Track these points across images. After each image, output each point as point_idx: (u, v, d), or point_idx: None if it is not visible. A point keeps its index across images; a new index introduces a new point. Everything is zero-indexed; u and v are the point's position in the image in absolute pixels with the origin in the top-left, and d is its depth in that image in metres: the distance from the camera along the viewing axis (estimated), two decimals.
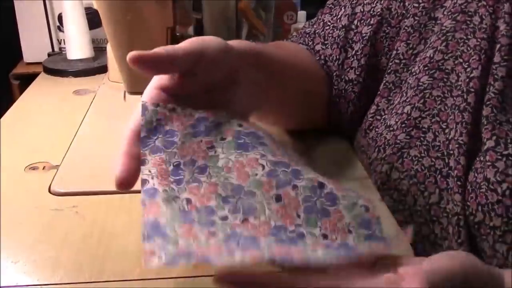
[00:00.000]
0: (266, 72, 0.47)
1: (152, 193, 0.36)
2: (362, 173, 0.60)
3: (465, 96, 0.50)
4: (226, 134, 0.39)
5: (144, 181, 0.37)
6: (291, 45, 0.69)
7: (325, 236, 0.34)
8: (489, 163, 0.46)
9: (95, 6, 0.57)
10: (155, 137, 0.38)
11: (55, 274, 0.45)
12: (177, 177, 0.37)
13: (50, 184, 0.59)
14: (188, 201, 0.35)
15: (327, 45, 0.65)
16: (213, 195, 0.36)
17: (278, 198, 0.35)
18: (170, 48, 0.38)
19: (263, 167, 0.37)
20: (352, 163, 0.63)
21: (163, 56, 0.38)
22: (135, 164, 0.39)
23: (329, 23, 0.67)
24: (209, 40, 0.41)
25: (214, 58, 0.41)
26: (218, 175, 0.37)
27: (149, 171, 0.37)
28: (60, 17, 1.15)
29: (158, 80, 0.41)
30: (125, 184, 0.39)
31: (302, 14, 1.21)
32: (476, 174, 0.47)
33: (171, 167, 0.37)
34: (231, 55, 0.42)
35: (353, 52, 0.63)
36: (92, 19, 1.05)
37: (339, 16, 0.66)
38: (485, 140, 0.48)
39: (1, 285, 0.44)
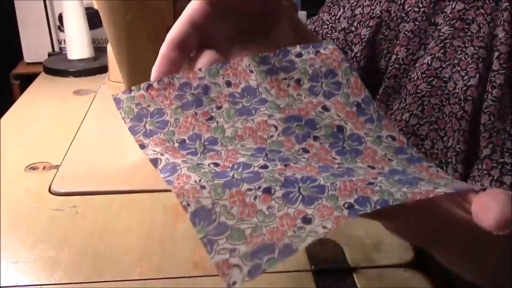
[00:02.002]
0: (294, 28, 0.47)
1: (172, 168, 0.30)
2: None
3: (462, 104, 0.51)
4: (219, 101, 0.36)
5: (155, 161, 0.31)
6: None
7: (372, 168, 0.32)
8: (485, 172, 0.47)
9: (95, 6, 0.57)
10: (143, 123, 0.34)
11: (55, 274, 0.45)
12: (189, 150, 0.32)
13: (50, 184, 0.59)
14: (216, 164, 0.30)
15: None
16: (238, 155, 0.31)
17: (305, 150, 0.33)
18: None
19: (276, 127, 0.34)
20: None
21: None
22: (173, 67, 0.37)
23: (327, 23, 0.67)
24: None
25: None
26: (233, 144, 0.33)
27: (154, 151, 0.32)
28: (60, 17, 1.15)
29: None
30: None
31: (302, 14, 1.21)
32: (473, 182, 0.48)
33: (176, 144, 0.33)
34: None
35: (353, 54, 0.63)
36: (92, 19, 1.05)
37: (337, 17, 0.66)
38: (482, 148, 0.48)
39: (1, 285, 0.44)
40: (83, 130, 0.74)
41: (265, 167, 0.30)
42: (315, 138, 0.34)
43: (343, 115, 0.36)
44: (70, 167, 0.63)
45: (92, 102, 0.85)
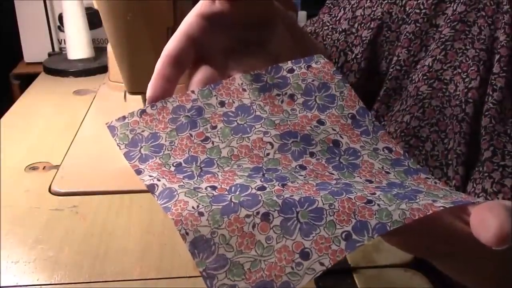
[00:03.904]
0: (291, 31, 0.47)
1: (169, 194, 0.29)
2: None
3: (463, 106, 0.51)
4: (214, 121, 0.36)
5: (152, 187, 0.31)
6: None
7: (370, 182, 0.32)
8: (486, 174, 0.47)
9: (95, 6, 0.57)
10: (138, 148, 0.34)
11: (55, 274, 0.45)
12: (185, 174, 0.32)
13: (50, 184, 0.59)
14: (213, 188, 0.30)
15: (326, 45, 0.65)
16: (235, 177, 0.31)
17: (302, 167, 0.33)
18: None
19: (272, 145, 0.34)
20: None
21: None
22: (168, 85, 0.37)
23: (328, 24, 0.67)
24: None
25: None
26: (229, 164, 0.33)
27: (150, 176, 0.32)
28: (60, 17, 1.15)
29: (199, 7, 0.39)
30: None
31: (302, 14, 1.21)
32: (474, 185, 0.48)
33: (172, 167, 0.33)
34: None
35: (353, 55, 0.63)
36: (92, 19, 1.05)
37: (338, 18, 0.66)
38: (483, 150, 0.48)
39: (1, 285, 0.44)
40: (83, 130, 0.73)
41: (262, 188, 0.30)
42: (312, 154, 0.34)
43: (338, 129, 0.36)
44: (70, 167, 0.63)
45: (92, 102, 0.85)
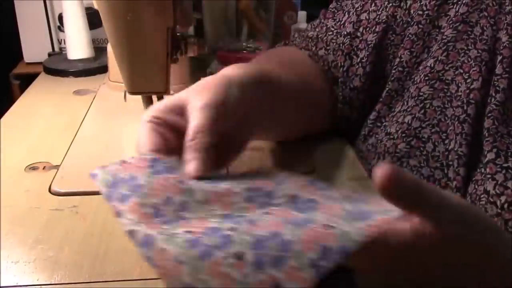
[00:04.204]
0: (267, 93, 0.47)
1: (149, 241, 0.32)
2: (362, 174, 0.60)
3: (465, 107, 0.50)
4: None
5: (132, 233, 0.33)
6: (292, 53, 0.68)
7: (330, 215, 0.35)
8: (489, 176, 0.47)
9: (95, 6, 0.57)
10: (118, 188, 0.37)
11: (55, 274, 0.45)
12: (163, 218, 0.35)
13: (50, 184, 0.59)
14: (188, 232, 0.33)
15: (329, 51, 0.65)
16: (207, 221, 0.35)
17: (267, 213, 0.36)
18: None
19: (240, 195, 0.37)
20: (352, 163, 0.63)
21: None
22: (160, 136, 0.40)
23: (332, 29, 0.67)
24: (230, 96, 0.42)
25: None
26: (202, 210, 0.36)
27: (130, 219, 0.35)
28: (60, 17, 1.15)
29: (157, 106, 0.42)
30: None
31: (302, 14, 1.21)
32: (476, 186, 0.48)
33: (149, 209, 0.35)
34: (246, 101, 0.43)
35: (358, 59, 0.63)
36: (92, 19, 1.05)
37: (342, 22, 0.66)
38: (486, 152, 0.48)
39: (1, 285, 0.44)
40: (83, 130, 0.73)
41: (233, 229, 0.32)
42: (276, 205, 0.37)
43: (297, 188, 0.40)
44: (70, 167, 0.63)
45: (92, 102, 0.84)
